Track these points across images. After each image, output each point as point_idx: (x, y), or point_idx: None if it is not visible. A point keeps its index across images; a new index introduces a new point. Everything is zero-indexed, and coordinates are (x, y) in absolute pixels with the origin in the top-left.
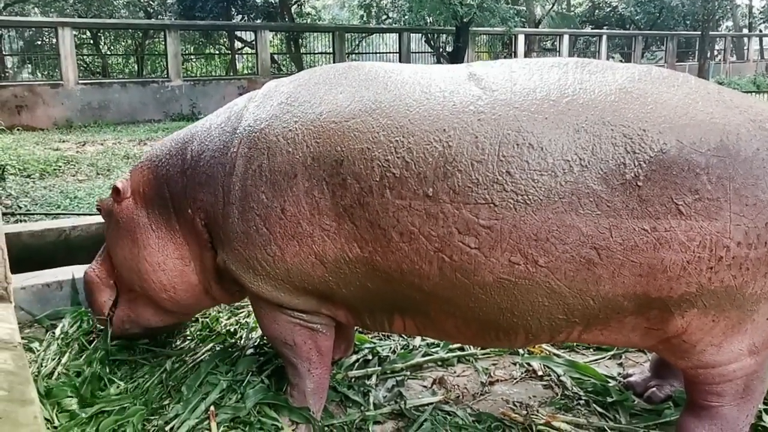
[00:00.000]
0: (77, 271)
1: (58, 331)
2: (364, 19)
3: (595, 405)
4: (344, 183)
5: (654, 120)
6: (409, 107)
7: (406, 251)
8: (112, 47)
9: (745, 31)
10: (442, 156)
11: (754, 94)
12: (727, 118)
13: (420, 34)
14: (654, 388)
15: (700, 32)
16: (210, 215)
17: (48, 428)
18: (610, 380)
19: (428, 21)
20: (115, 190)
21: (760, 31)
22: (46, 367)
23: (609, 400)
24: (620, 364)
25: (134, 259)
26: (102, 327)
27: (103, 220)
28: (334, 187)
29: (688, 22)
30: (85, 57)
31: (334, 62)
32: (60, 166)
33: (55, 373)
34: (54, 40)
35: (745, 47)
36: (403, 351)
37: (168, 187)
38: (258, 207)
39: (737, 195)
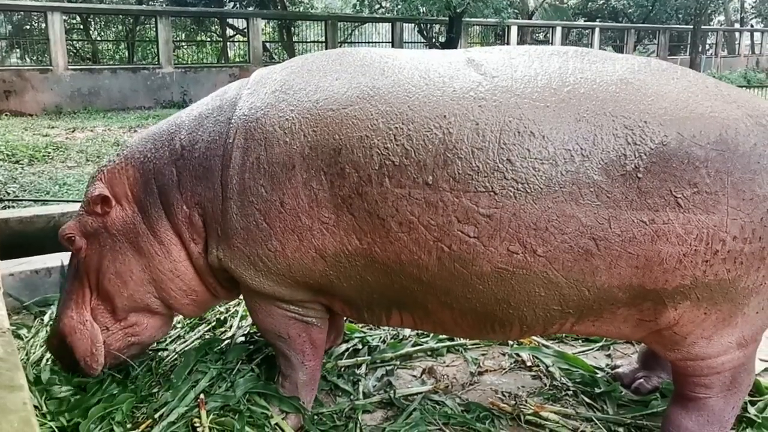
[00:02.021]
0: (66, 257)
1: (46, 318)
2: (357, 8)
3: (583, 395)
4: (342, 172)
5: (655, 112)
6: (409, 93)
7: (405, 241)
8: (102, 33)
9: (737, 25)
10: (443, 143)
11: (744, 88)
12: (726, 113)
13: (413, 24)
14: (642, 380)
15: (692, 26)
16: (208, 211)
17: (36, 415)
18: (598, 371)
19: (421, 11)
20: (104, 201)
21: (752, 25)
22: (34, 354)
23: (597, 390)
24: (608, 356)
25: (145, 272)
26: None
27: None
28: (332, 177)
29: (680, 16)
30: (74, 42)
31: None
32: (49, 153)
33: (44, 360)
34: (43, 25)
35: (737, 42)
36: (392, 341)
37: (155, 182)
38: (257, 201)
39: (735, 189)
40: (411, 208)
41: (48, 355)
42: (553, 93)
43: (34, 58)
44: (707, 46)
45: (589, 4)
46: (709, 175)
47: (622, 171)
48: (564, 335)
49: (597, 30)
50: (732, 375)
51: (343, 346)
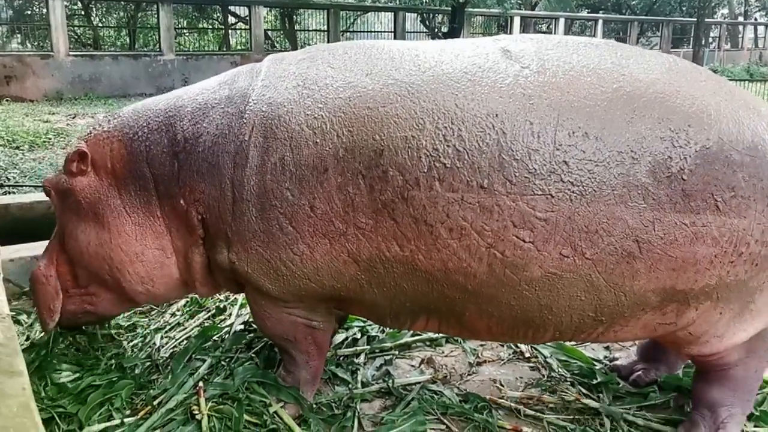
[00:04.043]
0: None
1: None
2: None
3: (580, 387)
4: (385, 176)
5: (697, 115)
6: (453, 89)
7: (454, 248)
8: (103, 19)
9: (741, 19)
10: (497, 144)
11: (747, 82)
12: (751, 119)
13: (415, 14)
14: (640, 372)
15: (695, 19)
16: (213, 210)
17: (36, 400)
18: (596, 363)
19: (424, 0)
20: (81, 157)
21: (755, 19)
22: (33, 340)
23: (594, 382)
24: (606, 348)
25: (104, 247)
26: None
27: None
28: (372, 180)
29: (684, 9)
30: (76, 28)
31: (328, 40)
32: (50, 139)
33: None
34: (44, 11)
35: (740, 35)
36: (391, 331)
37: (150, 167)
38: (282, 205)
39: (763, 194)
40: (463, 213)
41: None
42: (602, 92)
43: (36, 43)
44: (710, 39)
45: None
46: (744, 180)
47: (667, 173)
48: None
49: (600, 22)
50: (745, 346)
51: (342, 335)
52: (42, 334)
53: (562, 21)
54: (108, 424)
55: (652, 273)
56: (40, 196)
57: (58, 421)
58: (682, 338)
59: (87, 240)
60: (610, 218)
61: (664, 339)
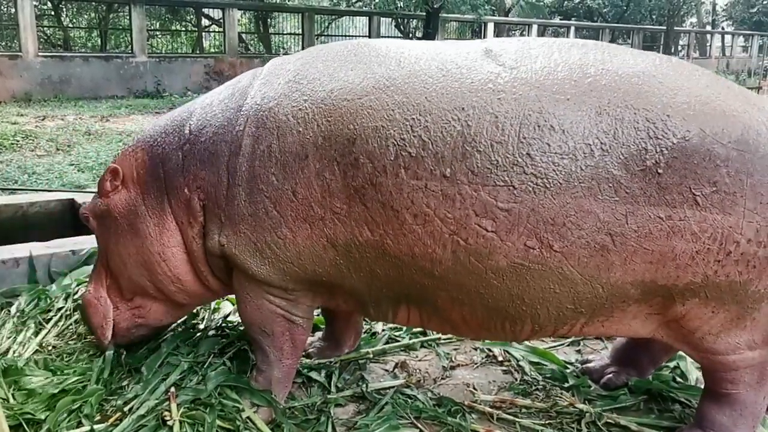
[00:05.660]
0: (35, 248)
1: (14, 309)
2: (335, 1)
3: (552, 389)
4: (356, 163)
5: (678, 105)
6: (426, 84)
7: (419, 234)
8: (74, 20)
9: (709, 27)
10: (461, 135)
11: None
12: (747, 114)
13: (390, 19)
14: (611, 375)
15: (665, 27)
16: (211, 196)
17: (4, 406)
18: (568, 366)
19: (399, 5)
20: (113, 173)
21: (723, 28)
22: (1, 345)
23: (566, 384)
24: (578, 351)
25: (139, 253)
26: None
27: (62, 198)
28: (345, 167)
29: (654, 17)
30: (45, 29)
31: (302, 44)
32: (18, 141)
33: (10, 352)
34: (13, 10)
35: (708, 44)
36: (366, 335)
37: (163, 166)
38: (268, 189)
39: (753, 191)
40: (427, 200)
41: (16, 346)
42: (574, 85)
43: (3, 44)
44: (679, 47)
45: (565, 2)
46: (729, 175)
47: (641, 166)
48: None
49: (572, 29)
50: (759, 370)
51: (316, 337)
52: (8, 341)
53: (535, 27)
54: (78, 430)
55: (628, 265)
56: (8, 199)
57: (26, 427)
58: (678, 331)
59: (126, 252)
60: (579, 211)
61: (665, 334)
